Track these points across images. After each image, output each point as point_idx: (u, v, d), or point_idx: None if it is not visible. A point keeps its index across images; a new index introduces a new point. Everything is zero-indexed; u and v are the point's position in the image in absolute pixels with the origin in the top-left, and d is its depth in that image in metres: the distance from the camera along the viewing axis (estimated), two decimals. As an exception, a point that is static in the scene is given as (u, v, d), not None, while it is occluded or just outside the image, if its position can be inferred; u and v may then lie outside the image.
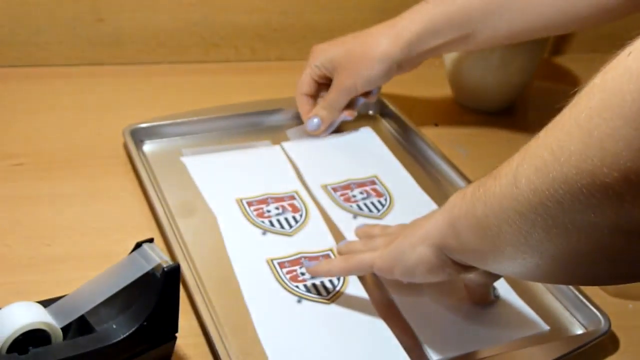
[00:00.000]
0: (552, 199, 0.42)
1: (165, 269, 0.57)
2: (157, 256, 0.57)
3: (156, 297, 0.57)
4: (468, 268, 0.60)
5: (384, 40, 0.86)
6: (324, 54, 0.89)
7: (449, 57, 1.01)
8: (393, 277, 0.64)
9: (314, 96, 0.92)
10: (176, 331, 0.61)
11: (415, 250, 0.61)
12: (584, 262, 0.45)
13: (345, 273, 0.69)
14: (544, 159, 0.44)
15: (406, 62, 0.87)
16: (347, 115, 0.92)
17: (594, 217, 0.40)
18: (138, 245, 0.59)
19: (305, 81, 0.91)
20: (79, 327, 0.58)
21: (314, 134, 0.91)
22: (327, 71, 0.89)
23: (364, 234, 0.76)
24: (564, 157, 0.41)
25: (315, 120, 0.90)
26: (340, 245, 0.74)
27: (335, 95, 0.89)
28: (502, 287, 0.73)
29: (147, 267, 0.57)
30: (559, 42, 1.19)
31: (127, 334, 0.57)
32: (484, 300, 0.70)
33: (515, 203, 0.47)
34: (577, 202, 0.41)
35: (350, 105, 0.92)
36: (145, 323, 0.57)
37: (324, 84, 0.91)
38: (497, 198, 0.49)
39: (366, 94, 0.92)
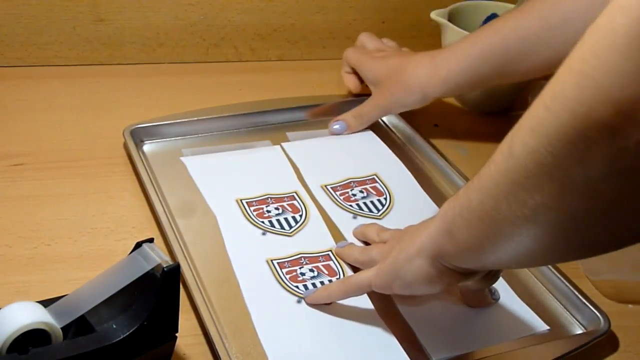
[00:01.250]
0: (548, 155, 0.43)
1: (166, 269, 0.56)
2: (157, 256, 0.57)
3: (156, 297, 0.57)
4: (466, 275, 0.60)
5: (423, 72, 0.88)
6: (369, 67, 0.95)
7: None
8: (392, 292, 0.64)
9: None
10: (176, 331, 0.61)
11: (412, 264, 0.61)
12: (582, 224, 0.45)
13: (345, 296, 0.69)
14: (539, 117, 0.44)
15: (438, 95, 0.90)
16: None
17: (588, 167, 0.41)
18: (138, 245, 0.59)
19: (349, 66, 0.98)
20: (79, 327, 0.58)
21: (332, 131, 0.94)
22: (369, 82, 0.95)
23: (361, 235, 0.76)
24: (559, 106, 0.42)
25: (341, 125, 0.93)
26: (338, 247, 0.75)
27: (369, 109, 0.93)
28: (502, 288, 0.73)
29: (147, 267, 0.57)
30: (559, 42, 1.19)
31: (127, 333, 0.57)
32: (481, 304, 0.71)
33: (512, 175, 0.48)
34: (573, 150, 0.41)
35: None
36: (145, 323, 0.57)
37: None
38: (493, 178, 0.50)
39: None
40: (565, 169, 0.43)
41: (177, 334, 0.61)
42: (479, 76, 0.86)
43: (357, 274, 0.68)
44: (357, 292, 0.68)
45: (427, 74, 0.88)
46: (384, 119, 0.98)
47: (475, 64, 0.85)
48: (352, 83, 0.98)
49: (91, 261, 0.72)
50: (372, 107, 0.93)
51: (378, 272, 0.64)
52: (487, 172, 0.51)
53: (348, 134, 0.93)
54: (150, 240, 0.59)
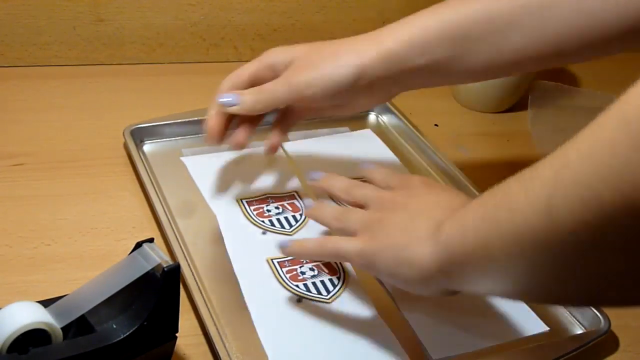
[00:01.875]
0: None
1: (166, 269, 0.57)
2: (157, 256, 0.57)
3: (156, 297, 0.57)
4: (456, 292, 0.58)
5: (361, 43, 0.69)
6: (282, 50, 0.73)
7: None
8: (373, 274, 0.61)
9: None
10: (176, 331, 0.61)
11: (413, 249, 0.57)
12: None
13: (318, 259, 0.64)
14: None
15: (382, 80, 0.69)
16: (274, 138, 0.76)
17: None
18: (138, 245, 0.59)
19: (242, 73, 0.73)
20: (79, 327, 0.58)
21: (213, 127, 0.73)
22: (277, 70, 0.72)
23: (327, 186, 0.70)
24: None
25: (233, 96, 0.71)
26: (306, 206, 0.69)
27: (274, 85, 0.70)
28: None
29: (148, 267, 0.57)
30: (559, 42, 1.19)
31: (128, 333, 0.57)
32: None
33: (550, 241, 0.43)
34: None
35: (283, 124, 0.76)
36: (145, 323, 0.57)
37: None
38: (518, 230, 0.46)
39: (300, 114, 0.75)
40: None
41: (177, 334, 0.61)
42: (432, 54, 0.67)
43: (336, 239, 0.63)
44: (333, 259, 0.64)
45: (367, 47, 0.68)
46: (384, 118, 0.98)
47: (430, 37, 0.67)
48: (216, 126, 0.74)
49: (91, 261, 0.72)
50: (281, 83, 0.70)
51: (362, 250, 0.60)
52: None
53: (242, 111, 0.72)
54: (151, 240, 0.59)
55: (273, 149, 0.76)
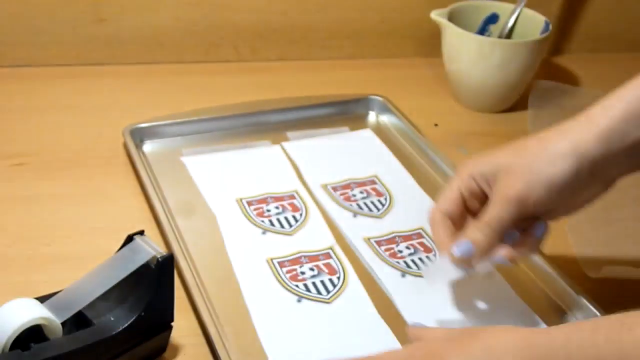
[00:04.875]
0: None
1: (160, 260, 0.58)
2: (150, 248, 0.59)
3: (152, 288, 0.59)
4: None
5: (571, 130, 0.63)
6: (484, 162, 0.66)
7: (449, 57, 1.01)
8: None
9: (457, 221, 0.67)
10: (172, 320, 0.62)
11: None
12: None
13: None
14: None
15: (602, 163, 0.62)
16: (504, 256, 0.65)
17: None
18: (130, 238, 0.60)
19: (449, 196, 0.67)
20: (76, 320, 0.58)
21: (461, 264, 0.65)
22: (485, 184, 0.65)
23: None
24: None
25: (465, 243, 0.64)
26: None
27: (497, 209, 0.63)
28: (502, 288, 0.73)
29: (143, 260, 0.58)
30: (559, 42, 1.19)
31: (126, 325, 0.58)
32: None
33: None
34: None
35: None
36: (142, 314, 0.58)
37: (473, 211, 0.68)
38: None
39: (525, 233, 0.66)
40: None
41: (172, 323, 0.62)
42: None
43: None
44: None
45: (579, 130, 0.62)
46: (384, 118, 0.98)
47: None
48: (443, 230, 0.67)
49: (91, 261, 0.72)
50: (502, 204, 0.63)
51: None
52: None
53: (479, 259, 0.65)
54: (141, 233, 0.60)
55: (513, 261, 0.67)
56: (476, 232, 0.64)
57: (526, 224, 0.65)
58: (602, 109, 0.62)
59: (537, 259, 0.74)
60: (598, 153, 0.61)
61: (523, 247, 0.65)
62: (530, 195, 0.62)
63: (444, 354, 0.53)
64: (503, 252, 0.64)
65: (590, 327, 0.49)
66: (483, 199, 0.66)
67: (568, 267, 0.75)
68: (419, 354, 0.55)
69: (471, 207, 0.67)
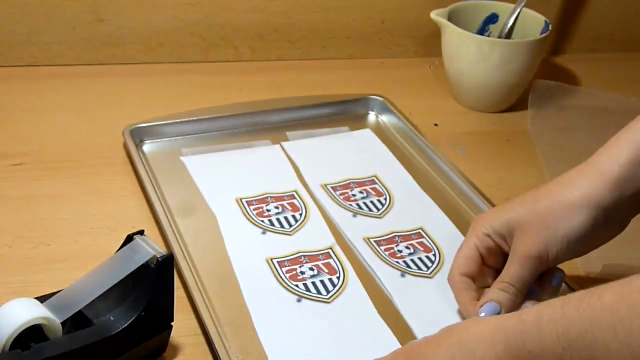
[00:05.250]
0: None
1: (160, 260, 0.58)
2: (151, 248, 0.59)
3: (152, 288, 0.59)
4: None
5: (581, 181, 0.63)
6: (496, 218, 0.66)
7: (449, 57, 1.01)
8: None
9: (476, 278, 0.68)
10: (172, 320, 0.62)
11: None
12: None
13: None
14: None
15: (616, 210, 0.62)
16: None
17: None
18: (130, 238, 0.60)
19: (468, 255, 0.67)
20: (76, 320, 0.58)
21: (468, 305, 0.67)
22: (501, 239, 0.66)
23: None
24: None
25: (491, 306, 0.64)
26: None
27: (518, 269, 0.64)
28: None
29: (143, 259, 0.58)
30: (559, 42, 1.19)
31: (126, 325, 0.58)
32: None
33: None
34: None
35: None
36: (142, 314, 0.58)
37: (490, 265, 0.68)
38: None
39: (542, 281, 0.66)
40: None
41: (172, 323, 0.62)
42: None
43: None
44: None
45: (590, 181, 0.62)
46: (384, 118, 0.98)
47: None
48: (465, 292, 0.67)
49: (91, 261, 0.72)
50: (522, 262, 0.63)
51: None
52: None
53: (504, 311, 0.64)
54: (141, 233, 0.60)
55: None
56: (500, 293, 0.64)
57: (543, 273, 0.65)
58: (610, 157, 0.62)
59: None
60: (611, 201, 0.61)
61: (542, 296, 0.66)
62: (550, 252, 0.63)
63: (425, 352, 0.54)
64: (528, 304, 0.64)
65: (560, 302, 0.49)
66: (500, 252, 0.67)
67: (568, 268, 0.75)
68: (401, 357, 0.57)
69: (489, 262, 0.68)
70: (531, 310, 0.50)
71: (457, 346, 0.53)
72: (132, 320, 0.58)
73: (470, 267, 0.67)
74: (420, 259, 0.75)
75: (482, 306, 0.64)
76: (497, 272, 0.67)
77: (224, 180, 0.84)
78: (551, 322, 0.48)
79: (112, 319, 0.59)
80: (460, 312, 0.69)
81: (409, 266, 0.74)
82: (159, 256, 0.58)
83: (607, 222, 0.62)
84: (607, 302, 0.45)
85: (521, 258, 0.63)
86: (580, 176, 0.63)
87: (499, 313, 0.63)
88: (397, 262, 0.75)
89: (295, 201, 0.81)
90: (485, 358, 0.51)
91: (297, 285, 0.71)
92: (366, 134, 0.94)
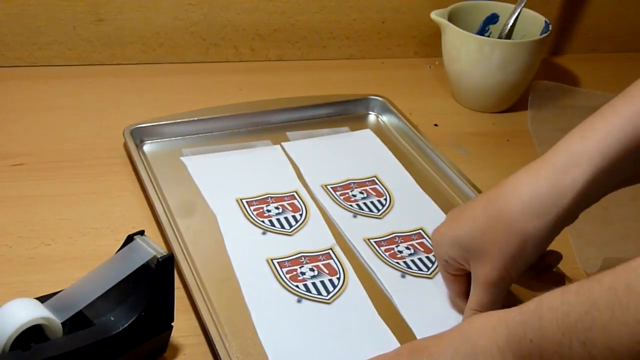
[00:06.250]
0: None
1: (160, 260, 0.58)
2: (151, 248, 0.59)
3: (152, 288, 0.59)
4: None
5: (531, 186, 0.60)
6: (449, 242, 0.65)
7: (449, 57, 1.01)
8: None
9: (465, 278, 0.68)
10: (172, 320, 0.62)
11: None
12: None
13: None
14: None
15: (572, 217, 0.60)
16: None
17: None
18: (130, 238, 0.60)
19: (447, 280, 0.69)
20: (76, 320, 0.58)
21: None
22: (460, 262, 0.65)
23: None
24: None
25: None
26: None
27: (483, 295, 0.63)
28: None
29: (143, 260, 0.58)
30: (559, 42, 1.19)
31: (126, 325, 0.58)
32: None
33: None
34: None
35: None
36: (142, 314, 0.58)
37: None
38: None
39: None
40: None
41: (172, 323, 0.62)
42: (625, 168, 0.58)
43: None
44: None
45: (540, 188, 0.59)
46: (384, 118, 0.98)
47: (618, 146, 0.58)
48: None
49: (91, 261, 0.72)
50: (484, 290, 0.63)
51: None
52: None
53: None
54: (141, 233, 0.60)
55: None
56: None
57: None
58: (569, 155, 0.59)
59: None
60: (570, 207, 0.59)
61: (548, 283, 0.65)
62: (511, 272, 0.61)
63: (428, 346, 0.55)
64: None
65: (561, 290, 0.49)
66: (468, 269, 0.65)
67: (568, 268, 0.75)
68: (405, 352, 0.57)
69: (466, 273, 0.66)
70: (532, 301, 0.50)
71: (459, 339, 0.53)
72: (132, 320, 0.58)
73: (457, 288, 0.68)
74: (420, 259, 0.75)
75: None
76: None
77: (224, 180, 0.84)
78: (551, 309, 0.48)
79: (112, 319, 0.59)
80: (460, 313, 0.69)
81: (409, 266, 0.74)
82: (159, 256, 0.58)
83: (565, 221, 0.60)
84: (606, 283, 0.45)
85: (483, 285, 0.62)
86: (527, 181, 0.60)
87: None
88: (397, 263, 0.75)
89: (295, 201, 0.81)
90: (487, 350, 0.51)
91: (297, 286, 0.71)
92: (366, 134, 0.94)
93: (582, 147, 0.58)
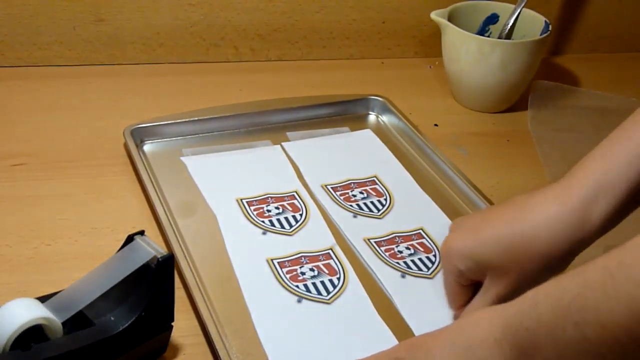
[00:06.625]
0: None
1: (160, 260, 0.58)
2: (151, 248, 0.59)
3: (152, 288, 0.59)
4: None
5: (553, 207, 0.61)
6: (466, 256, 0.65)
7: (449, 57, 1.01)
8: None
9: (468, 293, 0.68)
10: (172, 320, 0.62)
11: None
12: None
13: None
14: None
15: (599, 236, 0.61)
16: None
17: None
18: (130, 238, 0.60)
19: (453, 291, 0.68)
20: (76, 320, 0.58)
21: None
22: (475, 275, 0.65)
23: None
24: None
25: None
26: None
27: (486, 305, 0.64)
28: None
29: (143, 260, 0.58)
30: (559, 42, 1.19)
31: (126, 325, 0.58)
32: None
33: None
34: None
35: None
36: (143, 314, 0.58)
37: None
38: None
39: None
40: None
41: (172, 323, 0.62)
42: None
43: None
44: None
45: (561, 207, 0.60)
46: (384, 119, 0.98)
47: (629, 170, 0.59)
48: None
49: (91, 261, 0.72)
50: (488, 302, 0.64)
51: None
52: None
53: None
54: (141, 233, 0.60)
55: None
56: None
57: None
58: (589, 202, 0.60)
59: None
60: (599, 232, 0.60)
61: None
62: (522, 292, 0.58)
63: (425, 341, 0.55)
64: None
65: (557, 277, 0.49)
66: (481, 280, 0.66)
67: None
68: (402, 349, 0.57)
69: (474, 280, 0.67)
70: (529, 292, 0.51)
71: (457, 333, 0.54)
72: (132, 320, 0.58)
73: (459, 299, 0.68)
74: (420, 259, 0.75)
75: None
76: None
77: (224, 180, 0.84)
78: (546, 295, 0.48)
79: (112, 319, 0.59)
80: (460, 315, 0.69)
81: (409, 267, 0.74)
82: (159, 256, 0.58)
83: (589, 244, 0.61)
84: (598, 263, 0.45)
85: (493, 298, 0.63)
86: (549, 202, 0.61)
87: None
88: (397, 263, 0.75)
89: (295, 201, 0.81)
90: (484, 342, 0.51)
91: (297, 286, 0.71)
92: (366, 134, 0.94)
93: (606, 177, 0.59)
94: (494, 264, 0.63)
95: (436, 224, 0.80)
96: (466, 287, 0.67)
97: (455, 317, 0.69)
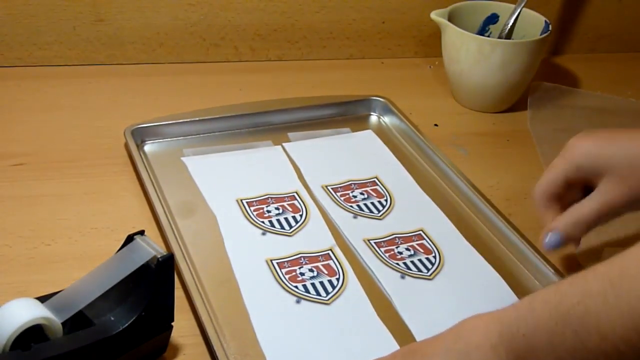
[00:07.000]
0: None
1: (160, 260, 0.58)
2: (151, 248, 0.59)
3: (152, 288, 0.59)
4: None
5: None
6: (592, 152, 0.65)
7: (449, 57, 1.01)
8: None
9: (559, 201, 0.69)
10: (172, 320, 0.62)
11: None
12: None
13: None
14: None
15: None
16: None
17: None
18: (130, 238, 0.60)
19: (556, 179, 0.68)
20: (76, 320, 0.58)
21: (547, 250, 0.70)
22: (591, 175, 0.65)
23: None
24: None
25: (556, 237, 0.67)
26: None
27: (595, 212, 0.65)
28: (501, 289, 0.73)
29: (143, 260, 0.58)
30: (559, 42, 1.19)
31: (126, 325, 0.58)
32: None
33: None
34: None
35: None
36: (142, 314, 0.58)
37: (573, 190, 0.68)
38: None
39: None
40: None
41: (172, 323, 0.62)
42: None
43: None
44: None
45: None
46: (385, 119, 0.98)
47: None
48: (549, 212, 0.69)
49: (91, 261, 0.72)
50: (603, 207, 0.64)
51: None
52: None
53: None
54: (141, 233, 0.60)
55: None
56: (569, 226, 0.65)
57: None
58: None
59: (536, 260, 0.74)
60: None
61: None
62: (633, 201, 0.62)
63: (422, 347, 0.56)
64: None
65: (555, 284, 0.49)
66: (585, 183, 0.66)
67: (568, 267, 0.75)
68: (399, 354, 0.58)
69: (572, 184, 0.67)
70: (526, 297, 0.51)
71: (452, 338, 0.54)
72: (132, 320, 0.58)
73: (553, 188, 0.67)
74: (420, 260, 0.75)
75: (548, 234, 0.66)
76: (583, 189, 0.67)
77: (225, 180, 0.84)
78: (544, 301, 0.48)
79: (112, 319, 0.59)
80: (459, 315, 0.69)
81: (408, 268, 0.74)
82: (159, 256, 0.58)
83: None
84: (599, 271, 0.46)
85: (603, 202, 0.63)
86: None
87: (559, 244, 0.66)
88: (397, 264, 0.75)
89: (295, 202, 0.81)
90: (480, 347, 0.51)
91: (296, 286, 0.71)
92: (367, 135, 0.94)
93: None
94: (618, 167, 0.63)
95: (436, 224, 0.80)
96: (566, 187, 0.66)
97: (535, 200, 0.67)
